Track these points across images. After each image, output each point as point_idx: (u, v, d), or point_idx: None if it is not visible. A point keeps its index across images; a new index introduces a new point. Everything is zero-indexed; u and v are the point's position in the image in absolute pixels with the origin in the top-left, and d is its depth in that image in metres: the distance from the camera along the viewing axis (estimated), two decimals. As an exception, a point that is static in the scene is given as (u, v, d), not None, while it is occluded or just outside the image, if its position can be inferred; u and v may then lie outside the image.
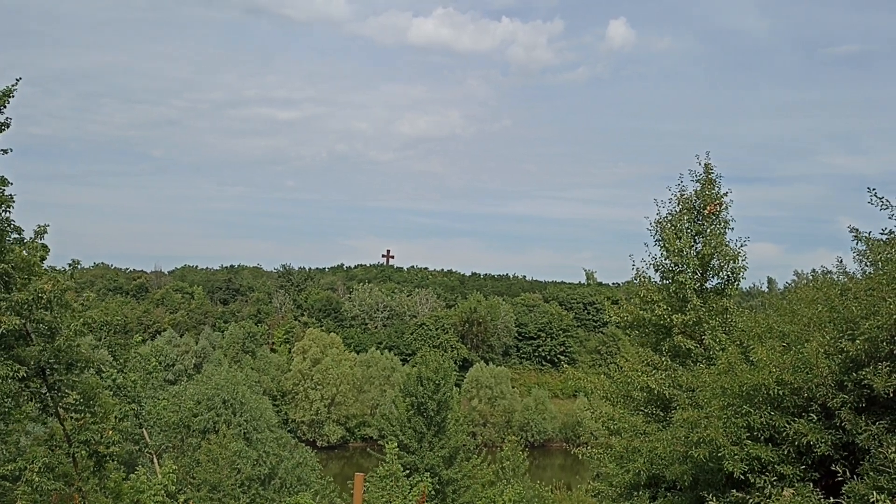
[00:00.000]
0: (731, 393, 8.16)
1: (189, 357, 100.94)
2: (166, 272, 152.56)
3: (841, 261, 11.05)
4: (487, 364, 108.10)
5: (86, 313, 13.37)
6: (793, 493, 7.11)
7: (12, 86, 12.08)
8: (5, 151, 12.27)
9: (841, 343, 7.52)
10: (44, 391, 12.87)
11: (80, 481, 12.57)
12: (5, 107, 11.99)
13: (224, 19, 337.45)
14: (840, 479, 6.85)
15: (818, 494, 6.98)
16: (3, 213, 12.43)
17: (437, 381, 41.14)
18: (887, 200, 7.75)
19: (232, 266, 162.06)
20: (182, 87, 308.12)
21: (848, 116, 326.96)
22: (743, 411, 7.80)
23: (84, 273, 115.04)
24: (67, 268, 13.25)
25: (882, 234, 8.27)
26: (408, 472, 31.63)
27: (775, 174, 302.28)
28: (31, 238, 12.80)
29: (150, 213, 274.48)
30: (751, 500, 7.35)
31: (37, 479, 11.89)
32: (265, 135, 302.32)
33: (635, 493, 11.56)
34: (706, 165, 14.08)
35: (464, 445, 42.08)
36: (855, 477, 6.74)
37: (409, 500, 25.65)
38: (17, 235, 12.70)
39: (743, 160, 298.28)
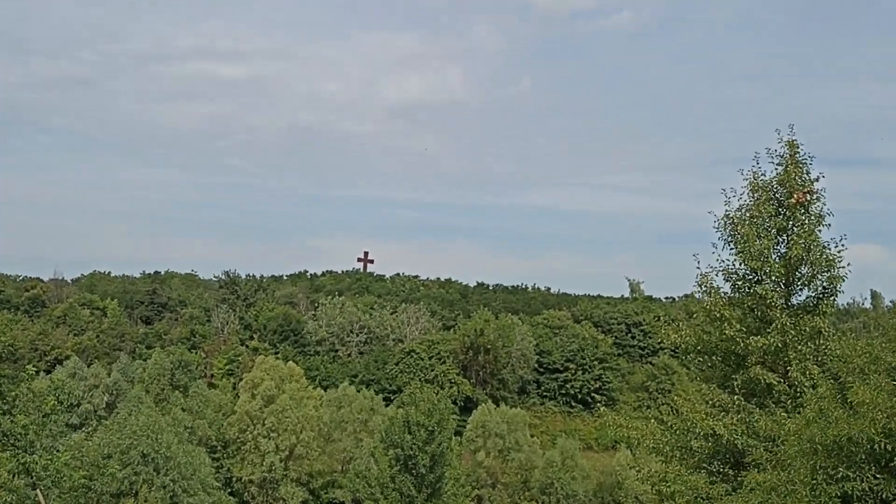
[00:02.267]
0: (824, 448, 8.08)
1: (99, 394, 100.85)
2: (69, 281, 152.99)
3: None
4: (498, 405, 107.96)
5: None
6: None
7: None
8: None
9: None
10: None
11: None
12: None
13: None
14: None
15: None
16: None
17: (430, 428, 41.03)
18: None
19: (157, 273, 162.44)
20: (92, 35, 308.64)
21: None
22: (838, 475, 7.73)
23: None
24: None
25: None
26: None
27: (877, 155, 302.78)
28: None
29: (49, 202, 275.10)
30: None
31: None
32: (204, 99, 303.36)
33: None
34: (790, 143, 14.01)
35: (466, 514, 42.11)
36: None
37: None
38: None
39: (836, 137, 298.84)
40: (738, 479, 11.19)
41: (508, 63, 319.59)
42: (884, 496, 7.53)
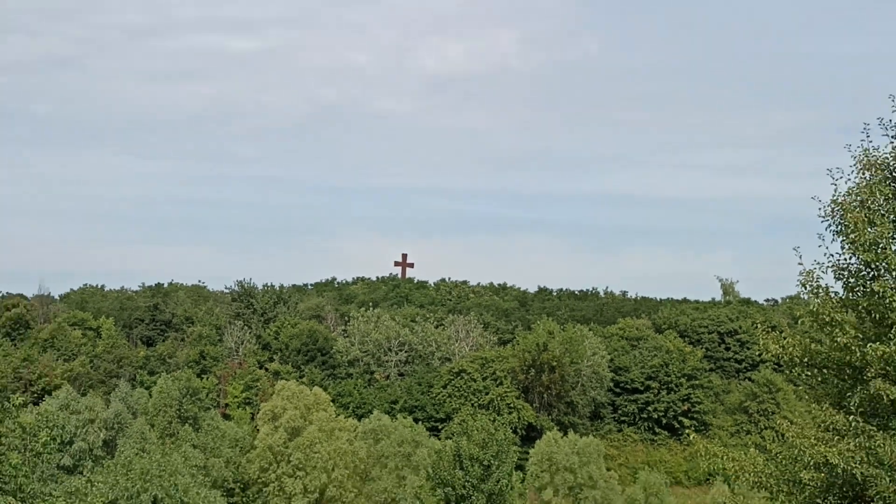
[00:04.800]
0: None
1: (95, 430, 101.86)
2: (57, 297, 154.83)
3: None
4: (566, 433, 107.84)
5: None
6: None
7: None
8: None
9: None
10: None
11: None
12: None
13: None
14: None
15: None
16: None
17: (486, 462, 41.10)
18: None
19: (159, 285, 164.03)
20: (78, 6, 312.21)
21: None
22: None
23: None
24: None
25: None
26: None
27: None
28: None
29: (31, 204, 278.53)
30: None
31: None
32: (209, 77, 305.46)
33: None
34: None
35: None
36: None
37: None
38: None
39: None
40: (860, 516, 11.18)
41: (571, 22, 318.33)
42: None
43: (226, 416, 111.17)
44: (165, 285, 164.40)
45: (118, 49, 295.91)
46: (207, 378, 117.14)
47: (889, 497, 9.48)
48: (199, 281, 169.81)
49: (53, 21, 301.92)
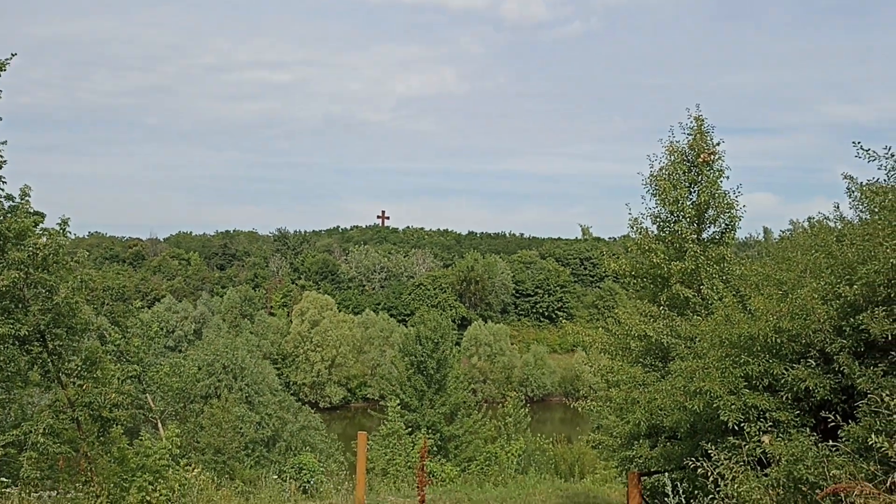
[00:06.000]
0: (729, 343, 8.20)
1: (188, 323, 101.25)
2: (162, 239, 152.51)
3: (837, 207, 11.01)
4: (486, 322, 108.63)
5: (82, 271, 13.35)
6: (772, 438, 7.22)
7: (6, 59, 11.94)
8: (-1, 117, 12.19)
9: (838, 288, 7.54)
10: (45, 356, 12.89)
11: (85, 446, 12.65)
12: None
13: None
14: (833, 423, 6.92)
15: (813, 438, 7.07)
16: None
17: (436, 340, 41.35)
18: (874, 151, 7.70)
19: (227, 231, 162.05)
20: (172, 54, 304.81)
21: (844, 65, 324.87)
22: (741, 361, 7.84)
23: (79, 242, 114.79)
24: (57, 227, 13.14)
25: (870, 182, 8.24)
26: (410, 429, 31.98)
27: (772, 124, 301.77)
28: (18, 197, 12.69)
29: (144, 180, 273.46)
30: (746, 447, 7.44)
31: (42, 440, 11.97)
32: (257, 98, 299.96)
33: (635, 443, 11.70)
34: (697, 118, 14.04)
35: (464, 402, 42.46)
36: (852, 420, 6.81)
37: (412, 457, 25.97)
38: (10, 203, 12.63)
39: (739, 111, 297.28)
40: (666, 368, 11.32)
41: (487, 63, 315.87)
42: (773, 373, 7.63)
43: (271, 314, 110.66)
44: (231, 231, 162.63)
45: (199, 80, 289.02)
46: (259, 291, 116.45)
47: (683, 356, 9.60)
48: (253, 228, 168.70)
49: (155, 62, 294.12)
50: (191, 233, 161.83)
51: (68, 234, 13.13)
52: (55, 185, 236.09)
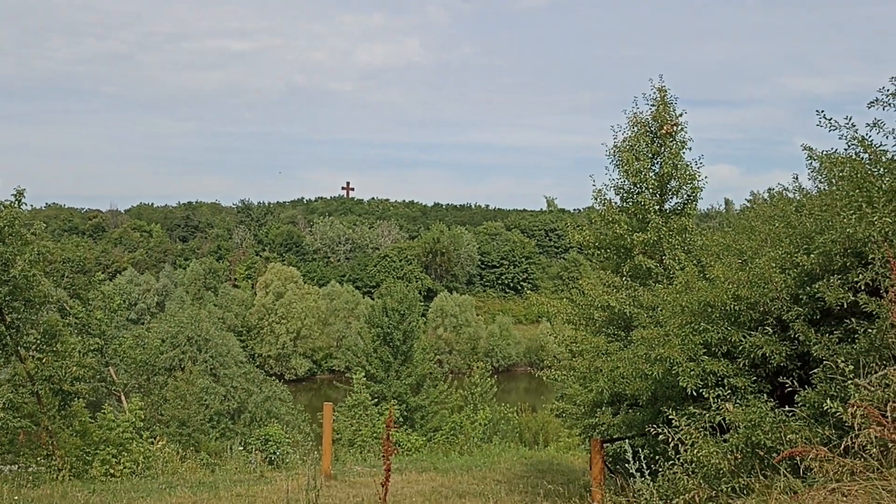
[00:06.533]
0: (690, 310, 8.33)
1: (151, 296, 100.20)
2: (122, 211, 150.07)
3: (797, 178, 11.19)
4: (452, 293, 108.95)
5: (39, 243, 13.12)
6: (734, 404, 7.38)
7: None
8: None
9: (796, 258, 7.68)
10: (2, 329, 12.68)
11: (46, 420, 12.52)
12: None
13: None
14: (789, 388, 7.08)
15: (770, 403, 7.23)
16: None
17: (402, 312, 41.41)
18: (835, 121, 7.81)
19: (190, 203, 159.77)
20: (131, 21, 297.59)
21: (805, 39, 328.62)
22: (700, 328, 7.98)
23: (36, 214, 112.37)
24: (12, 199, 12.84)
25: (829, 152, 8.37)
26: (376, 400, 32.14)
27: (733, 97, 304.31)
28: None
29: (103, 151, 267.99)
30: (707, 415, 7.59)
31: (1, 414, 11.82)
32: (219, 67, 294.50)
33: (598, 411, 11.88)
34: (660, 89, 14.07)
35: (430, 373, 42.73)
36: (808, 386, 6.98)
37: (378, 427, 26.12)
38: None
39: (701, 84, 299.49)
40: (628, 337, 11.46)
41: (453, 34, 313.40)
42: (732, 340, 7.78)
43: (235, 286, 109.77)
44: (194, 202, 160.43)
45: (158, 48, 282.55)
46: (222, 262, 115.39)
47: (645, 325, 9.73)
48: (216, 200, 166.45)
49: (113, 29, 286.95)
50: (152, 204, 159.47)
51: (24, 206, 12.87)
52: (10, 156, 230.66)
